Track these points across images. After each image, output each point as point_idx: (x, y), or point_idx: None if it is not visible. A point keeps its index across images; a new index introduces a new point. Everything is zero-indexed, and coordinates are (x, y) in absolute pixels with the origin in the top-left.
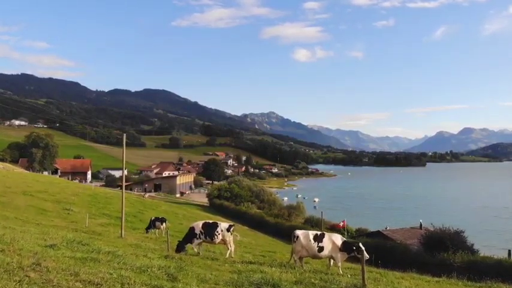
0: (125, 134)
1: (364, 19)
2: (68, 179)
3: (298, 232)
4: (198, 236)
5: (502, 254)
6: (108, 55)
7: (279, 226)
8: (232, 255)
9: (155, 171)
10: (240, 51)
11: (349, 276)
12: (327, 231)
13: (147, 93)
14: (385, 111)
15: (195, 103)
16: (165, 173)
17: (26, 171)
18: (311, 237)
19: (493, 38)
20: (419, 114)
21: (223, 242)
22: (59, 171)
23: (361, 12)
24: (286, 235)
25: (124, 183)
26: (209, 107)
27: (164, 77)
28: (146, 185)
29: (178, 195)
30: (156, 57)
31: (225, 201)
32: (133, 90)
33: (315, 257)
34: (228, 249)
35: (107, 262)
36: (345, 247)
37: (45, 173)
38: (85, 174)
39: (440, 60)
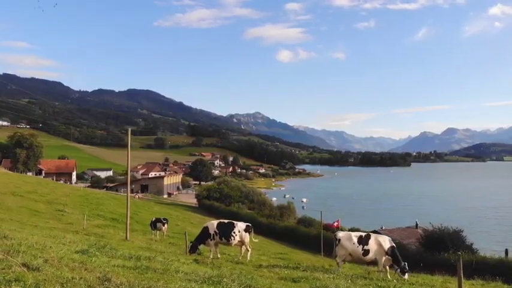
0: (130, 129)
1: (345, 20)
2: (53, 179)
3: (340, 234)
4: (212, 237)
5: (496, 255)
6: (91, 55)
7: (273, 226)
8: (248, 257)
9: (141, 172)
10: (224, 51)
11: (395, 281)
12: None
13: (132, 93)
14: (369, 112)
15: (180, 103)
16: (152, 174)
17: (11, 171)
18: (355, 239)
19: (473, 40)
20: (403, 115)
21: (241, 243)
22: (43, 172)
23: (342, 13)
24: (281, 235)
25: (129, 185)
26: (194, 107)
27: (148, 77)
28: (133, 186)
29: (165, 196)
30: (139, 57)
31: (215, 202)
32: (117, 90)
33: (359, 260)
34: (248, 250)
35: (165, 272)
36: (392, 253)
37: (29, 173)
38: (70, 175)
39: (422, 62)
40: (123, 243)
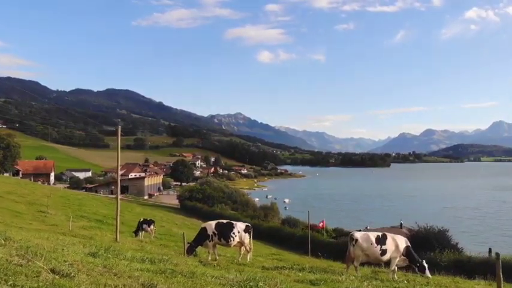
0: (119, 127)
1: (325, 22)
2: (30, 180)
3: (357, 235)
4: (210, 238)
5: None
6: (69, 54)
7: (257, 227)
8: (248, 259)
9: (121, 172)
10: (204, 51)
11: (406, 282)
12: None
13: (110, 93)
14: (349, 113)
15: (160, 103)
16: (132, 175)
17: None
18: (372, 239)
19: (450, 42)
20: (382, 116)
21: (241, 244)
22: (20, 172)
23: (322, 15)
24: (265, 236)
25: (119, 186)
26: (175, 107)
27: (128, 76)
28: (112, 187)
29: (146, 197)
30: (118, 56)
31: (198, 203)
32: (95, 90)
33: (376, 261)
34: (248, 251)
35: (192, 275)
36: (408, 253)
37: (6, 174)
38: (48, 175)
39: (401, 64)
40: (116, 245)
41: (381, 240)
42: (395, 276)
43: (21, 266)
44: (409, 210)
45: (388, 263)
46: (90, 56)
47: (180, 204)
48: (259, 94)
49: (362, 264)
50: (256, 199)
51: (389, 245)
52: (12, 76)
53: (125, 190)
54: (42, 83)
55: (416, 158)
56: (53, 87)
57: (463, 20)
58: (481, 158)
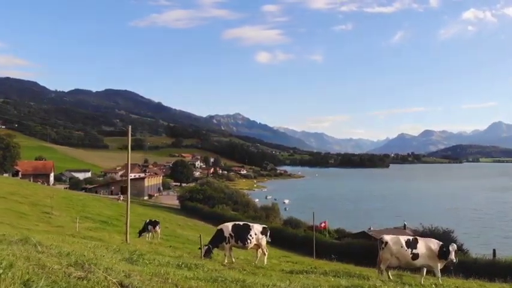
0: (130, 126)
1: (322, 23)
2: (30, 181)
3: (387, 237)
4: (227, 240)
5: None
6: (68, 55)
7: None
8: (265, 261)
9: (120, 173)
10: (202, 52)
11: (434, 286)
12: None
13: (109, 94)
14: (348, 114)
15: (159, 104)
16: (131, 175)
17: None
18: (403, 242)
19: (448, 43)
20: (381, 117)
21: (257, 246)
22: (19, 173)
23: (319, 16)
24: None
25: (129, 187)
26: (174, 107)
27: (126, 77)
28: (113, 188)
29: (146, 197)
30: (117, 56)
31: (198, 203)
32: (94, 91)
33: (407, 265)
34: (265, 254)
35: (244, 284)
36: (442, 253)
37: (6, 175)
38: (47, 176)
39: (399, 64)
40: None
41: (412, 244)
42: (422, 281)
43: (83, 279)
44: (410, 211)
45: (425, 268)
46: (89, 56)
47: (180, 204)
48: (258, 95)
49: (395, 268)
50: (256, 200)
51: (421, 249)
52: (11, 76)
53: (124, 190)
54: (41, 84)
55: (415, 158)
56: (52, 88)
57: (460, 21)
58: (480, 159)
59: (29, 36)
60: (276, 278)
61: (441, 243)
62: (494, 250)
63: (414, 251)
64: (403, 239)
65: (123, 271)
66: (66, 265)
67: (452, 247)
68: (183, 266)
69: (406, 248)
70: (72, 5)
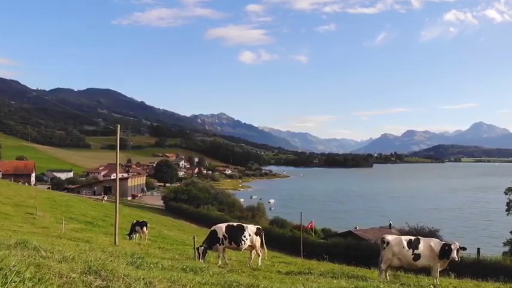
0: (119, 126)
1: (306, 23)
2: (11, 181)
3: (389, 237)
4: (221, 241)
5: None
6: (49, 53)
7: None
8: (259, 263)
9: (103, 173)
10: (186, 51)
11: (432, 286)
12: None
13: (91, 93)
14: (332, 114)
15: (142, 103)
16: (114, 175)
17: None
18: (404, 243)
19: (430, 44)
20: (364, 117)
21: (251, 247)
22: (0, 173)
23: (303, 16)
24: None
25: (118, 188)
26: (157, 107)
27: (109, 75)
28: (96, 188)
29: (129, 198)
30: (99, 55)
31: (183, 204)
32: (76, 89)
33: (409, 266)
34: (259, 255)
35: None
36: (444, 252)
37: None
38: (29, 176)
39: (382, 65)
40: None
41: (413, 244)
42: (438, 282)
43: None
44: (395, 211)
45: (426, 269)
46: (71, 54)
47: (165, 205)
48: (243, 94)
49: (396, 269)
50: (242, 200)
51: (422, 249)
52: None
53: (107, 191)
54: (22, 82)
55: (398, 158)
56: (33, 87)
57: (442, 23)
58: (462, 159)
59: (9, 34)
60: (289, 281)
61: (442, 242)
62: (478, 249)
63: (416, 251)
64: (404, 239)
65: (143, 279)
66: (81, 272)
67: (455, 245)
68: (187, 269)
69: (407, 249)
70: (54, 3)
